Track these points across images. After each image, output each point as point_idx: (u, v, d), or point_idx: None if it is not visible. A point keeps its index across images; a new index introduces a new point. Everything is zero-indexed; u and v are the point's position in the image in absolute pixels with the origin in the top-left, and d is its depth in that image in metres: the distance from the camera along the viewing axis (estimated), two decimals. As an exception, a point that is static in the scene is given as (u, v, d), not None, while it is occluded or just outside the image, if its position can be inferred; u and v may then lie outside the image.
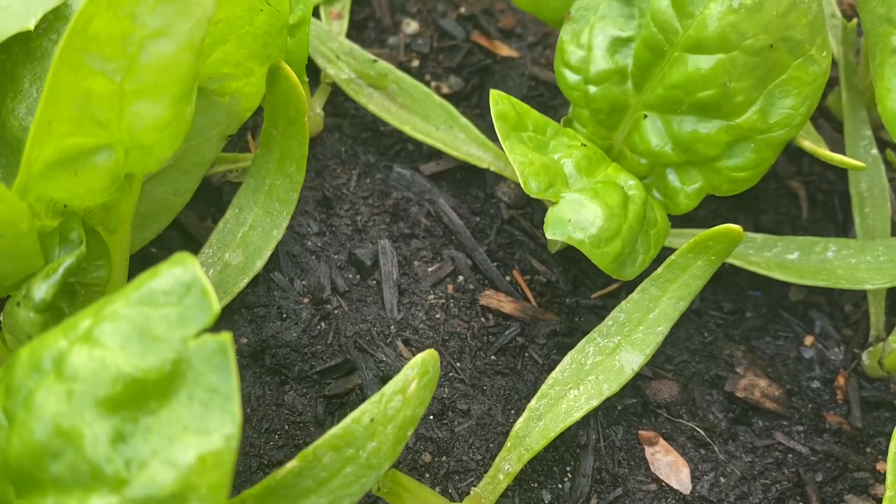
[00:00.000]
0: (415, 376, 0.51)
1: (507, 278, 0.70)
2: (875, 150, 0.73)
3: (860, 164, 0.60)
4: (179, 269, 0.40)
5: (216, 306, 0.39)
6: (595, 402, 0.59)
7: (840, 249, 0.66)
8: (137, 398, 0.37)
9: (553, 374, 0.60)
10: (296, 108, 0.60)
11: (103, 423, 0.37)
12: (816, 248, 0.67)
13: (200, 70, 0.55)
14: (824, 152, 0.61)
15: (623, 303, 0.61)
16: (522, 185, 0.54)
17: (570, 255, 0.72)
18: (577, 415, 0.59)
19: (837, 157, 0.60)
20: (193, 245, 0.68)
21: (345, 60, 0.74)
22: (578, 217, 0.54)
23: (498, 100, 0.60)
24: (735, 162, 0.59)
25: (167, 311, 0.39)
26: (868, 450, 0.66)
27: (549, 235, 0.54)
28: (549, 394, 0.60)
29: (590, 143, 0.63)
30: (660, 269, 0.61)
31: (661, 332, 0.61)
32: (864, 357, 0.68)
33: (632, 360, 0.60)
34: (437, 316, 0.67)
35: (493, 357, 0.66)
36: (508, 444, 0.59)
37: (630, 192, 0.57)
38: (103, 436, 0.36)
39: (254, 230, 0.64)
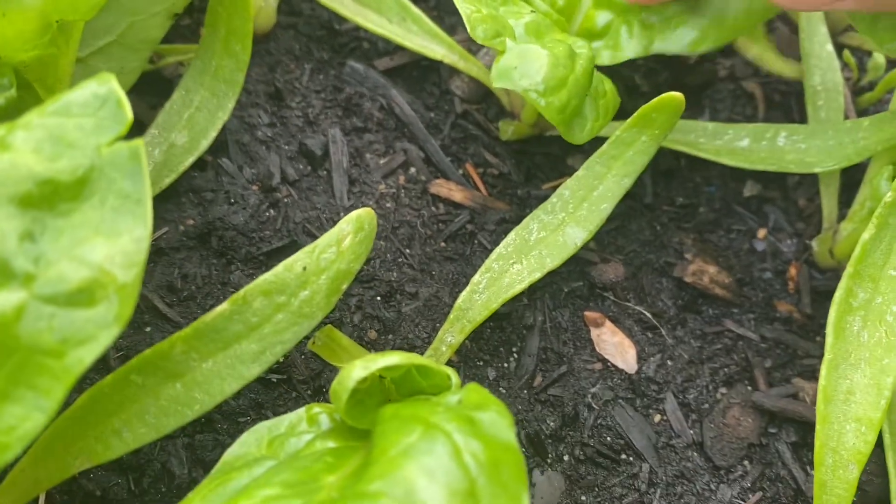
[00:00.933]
0: (350, 231, 0.51)
1: (460, 171, 0.70)
2: (829, 46, 0.72)
3: (799, 75, 0.60)
4: (95, 84, 0.40)
5: (129, 115, 0.39)
6: (538, 275, 0.59)
7: (790, 135, 0.66)
8: (48, 199, 0.37)
9: (496, 249, 0.60)
10: (240, -18, 0.59)
11: (13, 221, 0.36)
12: (767, 135, 0.67)
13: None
14: (766, 59, 0.61)
15: (568, 180, 0.61)
16: (469, 31, 0.53)
17: (525, 150, 0.72)
18: (520, 286, 0.59)
19: (777, 65, 0.60)
20: (141, 130, 0.67)
21: (299, -44, 0.73)
22: (525, 65, 0.54)
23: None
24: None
25: (82, 121, 0.39)
26: (818, 338, 0.67)
27: (495, 84, 0.53)
28: (492, 268, 0.60)
29: (541, 13, 0.63)
30: (604, 146, 0.61)
31: (605, 209, 0.61)
32: (815, 245, 0.68)
33: (575, 236, 0.60)
34: (388, 205, 0.67)
35: (442, 244, 0.66)
36: (451, 316, 0.59)
37: (578, 50, 0.57)
38: (12, 232, 0.36)
39: (200, 111, 0.64)
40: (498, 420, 0.42)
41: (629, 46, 0.62)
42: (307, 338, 0.53)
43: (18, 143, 0.38)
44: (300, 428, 0.49)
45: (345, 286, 0.51)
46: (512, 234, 0.61)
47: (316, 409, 0.49)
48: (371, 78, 0.73)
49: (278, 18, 0.75)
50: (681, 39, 0.63)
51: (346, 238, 0.51)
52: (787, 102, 0.77)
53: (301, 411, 0.49)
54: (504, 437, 0.41)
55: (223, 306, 0.48)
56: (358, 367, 0.44)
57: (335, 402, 0.45)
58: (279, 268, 0.49)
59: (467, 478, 0.37)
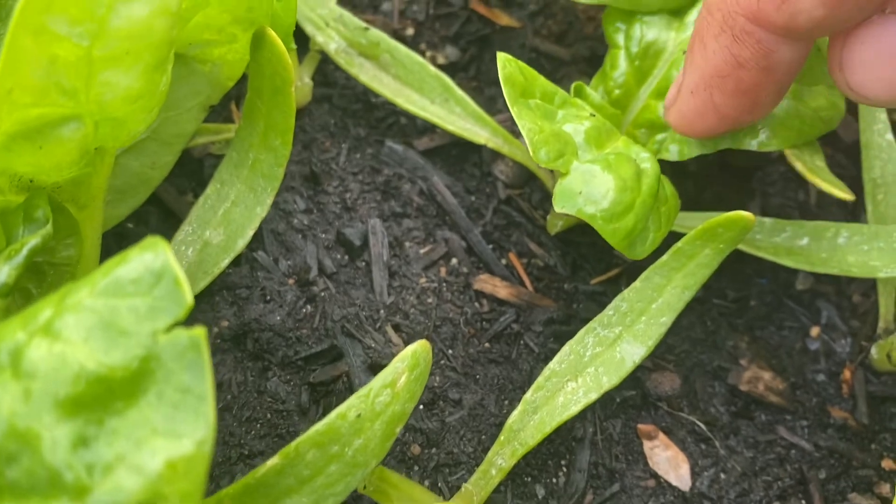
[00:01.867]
0: (405, 369, 0.48)
1: (503, 262, 0.67)
2: (890, 135, 0.69)
3: (848, 195, 0.57)
4: (150, 255, 0.36)
5: (189, 297, 0.35)
6: (594, 396, 0.56)
7: (852, 235, 0.63)
8: (102, 398, 0.34)
9: (550, 364, 0.57)
10: (281, 77, 0.55)
11: (64, 426, 0.33)
12: (828, 234, 0.64)
13: (179, 36, 0.51)
14: (813, 178, 0.58)
15: (625, 291, 0.58)
16: (532, 153, 0.50)
17: (570, 239, 0.69)
18: (575, 408, 0.56)
19: (825, 185, 0.57)
20: (172, 221, 0.64)
21: (335, 27, 0.70)
22: (590, 189, 0.51)
23: (506, 63, 0.56)
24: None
25: (135, 302, 0.36)
26: (873, 446, 0.64)
27: (557, 209, 0.50)
28: (545, 385, 0.57)
29: (599, 114, 0.60)
30: (665, 257, 0.58)
31: (664, 322, 0.58)
32: (873, 350, 0.66)
33: (633, 352, 0.57)
34: (429, 300, 0.64)
35: (486, 344, 0.63)
36: (502, 437, 0.56)
37: (643, 165, 0.54)
38: (63, 439, 0.33)
39: (236, 207, 0.61)
40: None
41: (697, 141, 0.59)
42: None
43: (68, 331, 0.35)
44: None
45: (399, 429, 0.48)
46: (566, 348, 0.58)
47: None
48: (410, 159, 0.69)
49: (314, 92, 0.71)
50: (751, 138, 0.60)
51: (402, 377, 0.48)
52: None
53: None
54: None
55: (274, 460, 0.45)
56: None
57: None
58: (332, 416, 0.46)
59: None
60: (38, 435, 0.33)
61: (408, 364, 0.48)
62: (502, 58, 0.56)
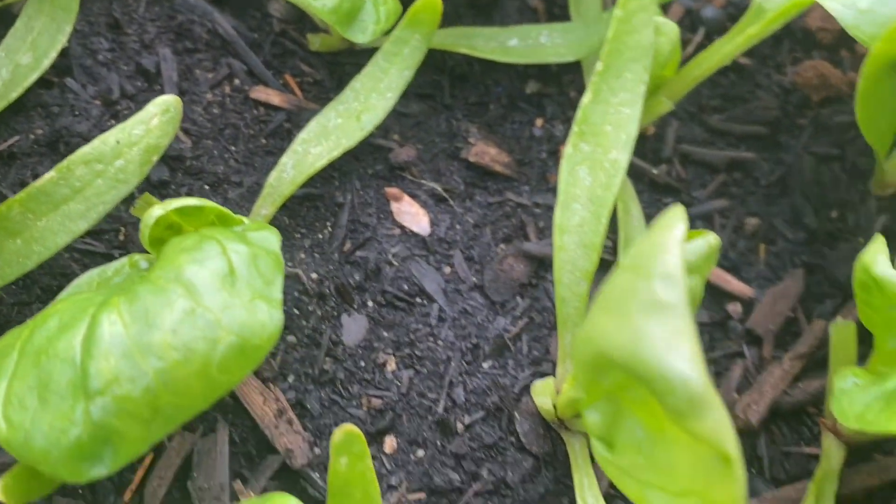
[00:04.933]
0: (157, 112, 0.62)
1: (280, 81, 0.81)
2: (590, -37, 0.86)
3: None
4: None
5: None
6: (336, 153, 0.71)
7: (550, 33, 0.80)
8: None
9: (300, 135, 0.72)
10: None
11: None
12: (532, 34, 0.80)
13: None
14: None
15: (358, 75, 0.73)
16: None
17: (336, 61, 0.83)
18: (321, 163, 0.71)
19: None
20: (-8, 57, 0.77)
21: None
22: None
23: None
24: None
25: None
26: (585, 203, 0.80)
27: (290, -1, 0.65)
28: (297, 150, 0.71)
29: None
30: (385, 45, 0.73)
31: (390, 97, 0.73)
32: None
33: (367, 120, 0.72)
34: (215, 111, 0.78)
35: (263, 140, 0.78)
36: (264, 192, 0.70)
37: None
38: None
39: (41, 35, 0.74)
40: (267, 236, 0.54)
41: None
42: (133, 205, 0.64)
43: None
44: (123, 270, 0.60)
45: (155, 158, 0.62)
46: (313, 122, 0.72)
47: (137, 256, 0.61)
48: (200, 6, 0.83)
49: (115, -42, 0.84)
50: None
51: (154, 118, 0.62)
52: (565, 14, 0.90)
53: (125, 258, 0.60)
54: (268, 245, 0.53)
55: (50, 174, 0.59)
56: (156, 207, 0.55)
57: (142, 239, 0.56)
58: (96, 141, 0.60)
59: (229, 265, 0.49)
60: None
61: (160, 108, 0.62)
62: None
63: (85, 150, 0.59)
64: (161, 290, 0.47)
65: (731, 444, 0.37)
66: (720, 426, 0.36)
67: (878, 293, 0.56)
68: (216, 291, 0.47)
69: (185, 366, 0.45)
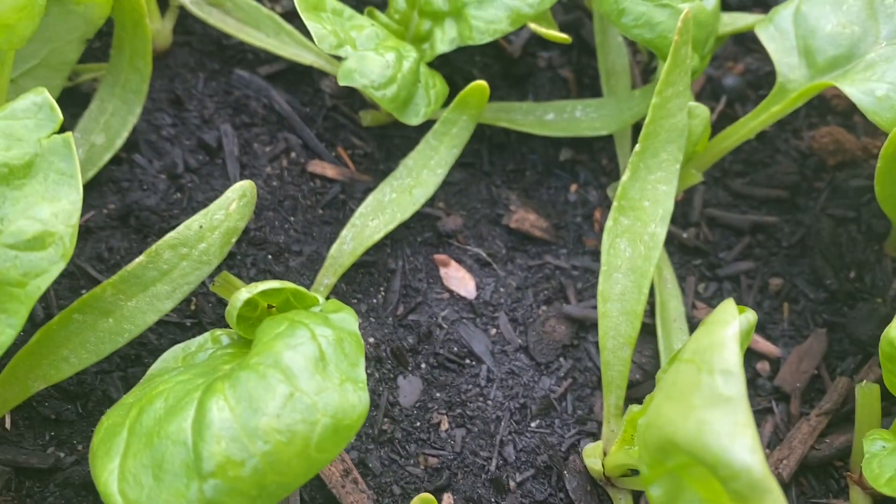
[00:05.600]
0: (235, 197, 0.67)
1: (333, 153, 0.87)
2: (620, 37, 0.92)
3: (565, 37, 0.78)
4: (33, 95, 0.55)
5: (60, 116, 0.55)
6: (392, 226, 0.76)
7: (584, 108, 0.85)
8: (6, 178, 0.53)
9: (358, 209, 0.77)
10: (137, 12, 0.75)
11: (-19, 194, 0.52)
12: (567, 109, 0.86)
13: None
14: (542, 30, 0.79)
15: (410, 153, 0.79)
16: (317, 43, 0.70)
17: (384, 134, 0.89)
18: (378, 236, 0.76)
19: (551, 34, 0.78)
20: (66, 136, 0.82)
21: (189, -14, 0.89)
22: (362, 67, 0.71)
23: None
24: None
25: (26, 122, 0.54)
26: (619, 265, 0.86)
27: (340, 83, 0.71)
28: (355, 224, 0.77)
29: (385, 30, 0.80)
30: (436, 125, 0.79)
31: (440, 173, 0.79)
32: (609, 192, 0.88)
33: (419, 195, 0.78)
34: (274, 183, 0.84)
35: (320, 211, 0.83)
36: (326, 264, 0.76)
37: (405, 53, 0.75)
38: (-20, 203, 0.52)
39: (114, 116, 0.79)
40: (346, 317, 0.59)
41: (442, 46, 0.80)
42: (212, 281, 0.69)
43: (-20, 139, 0.53)
44: (206, 346, 0.65)
45: (234, 240, 0.67)
46: (370, 198, 0.78)
47: (218, 332, 0.66)
48: (255, 82, 0.89)
49: (174, 38, 0.90)
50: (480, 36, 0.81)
51: (233, 203, 0.67)
52: (595, 85, 0.96)
53: (207, 334, 0.65)
54: (349, 327, 0.58)
55: (140, 258, 0.64)
56: (243, 291, 0.60)
57: (228, 320, 0.62)
58: (181, 227, 0.65)
59: (319, 349, 0.54)
60: (-36, 200, 0.52)
61: (237, 193, 0.67)
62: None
63: (171, 235, 0.64)
64: (262, 376, 0.52)
65: (789, 524, 0.42)
66: (779, 509, 0.41)
67: (904, 363, 0.61)
68: (311, 376, 0.52)
69: (288, 447, 0.50)
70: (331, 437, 0.51)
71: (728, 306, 0.48)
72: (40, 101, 0.55)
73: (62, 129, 0.55)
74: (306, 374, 0.52)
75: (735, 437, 0.42)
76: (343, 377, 0.53)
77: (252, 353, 0.55)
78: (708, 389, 0.44)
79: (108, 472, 0.53)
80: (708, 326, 0.48)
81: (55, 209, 0.52)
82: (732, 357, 0.44)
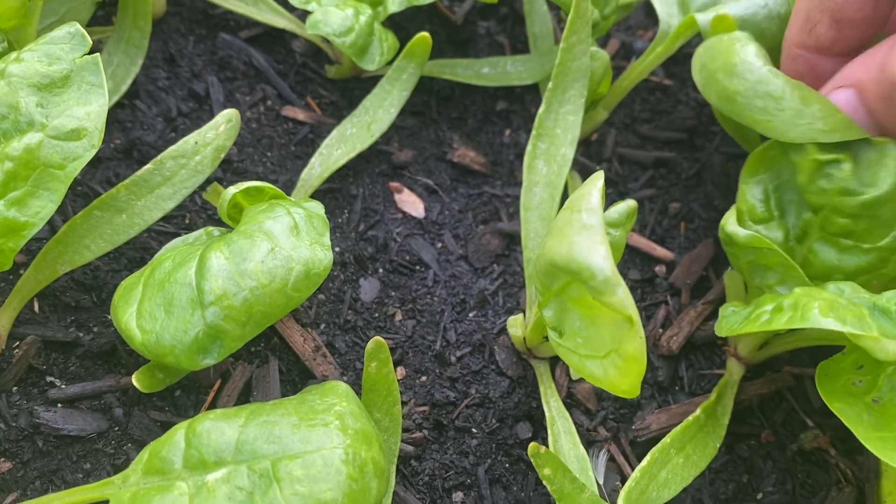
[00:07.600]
0: (223, 121, 0.83)
1: (303, 102, 1.03)
2: (545, 6, 1.09)
3: None
4: (67, 26, 0.71)
5: (90, 41, 0.70)
6: (352, 154, 0.92)
7: (514, 63, 1.02)
8: (49, 87, 0.68)
9: (324, 141, 0.93)
10: (140, -23, 0.91)
11: (32, 97, 0.67)
12: (500, 63, 1.03)
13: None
14: None
15: (367, 96, 0.95)
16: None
17: (347, 86, 1.05)
18: (342, 161, 0.92)
19: None
20: (77, 86, 0.97)
21: (179, -37, 1.05)
22: (326, 18, 0.87)
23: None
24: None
25: (63, 46, 0.70)
26: (545, 194, 1.02)
27: (309, 31, 0.87)
28: (322, 153, 0.93)
29: (344, -1, 0.96)
30: (388, 72, 0.95)
31: (393, 112, 0.95)
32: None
33: (376, 129, 0.94)
34: (253, 125, 0.99)
35: (292, 148, 0.99)
36: (298, 185, 0.91)
37: (362, 10, 0.91)
38: (32, 103, 0.67)
39: (119, 68, 0.95)
40: (315, 205, 0.75)
41: (393, 6, 0.96)
42: (205, 190, 0.84)
43: (27, 57, 0.69)
44: (201, 238, 0.80)
45: (223, 155, 0.83)
46: (334, 132, 0.94)
47: (210, 228, 0.81)
48: (237, 44, 1.05)
49: (167, 8, 1.06)
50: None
51: (221, 125, 0.83)
52: (526, 49, 1.13)
53: (201, 230, 0.81)
54: (317, 211, 0.74)
55: (148, 166, 0.79)
56: (231, 188, 0.76)
57: (220, 212, 0.77)
58: (180, 142, 0.81)
59: (293, 221, 0.70)
60: (17, 102, 0.67)
61: (225, 119, 0.83)
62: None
63: (173, 148, 0.80)
64: (249, 237, 0.68)
65: (632, 309, 0.58)
66: (625, 298, 0.58)
67: (735, 245, 0.78)
68: (288, 237, 0.68)
69: (270, 285, 0.65)
70: (303, 280, 0.67)
71: (596, 176, 0.65)
72: (73, 30, 0.70)
73: (91, 52, 0.71)
74: (284, 235, 0.68)
75: (592, 250, 0.59)
76: (312, 241, 0.69)
77: (241, 224, 0.71)
78: (577, 223, 0.61)
79: (128, 315, 0.68)
80: (581, 187, 0.65)
81: (87, 110, 0.68)
82: (594, 199, 0.61)
